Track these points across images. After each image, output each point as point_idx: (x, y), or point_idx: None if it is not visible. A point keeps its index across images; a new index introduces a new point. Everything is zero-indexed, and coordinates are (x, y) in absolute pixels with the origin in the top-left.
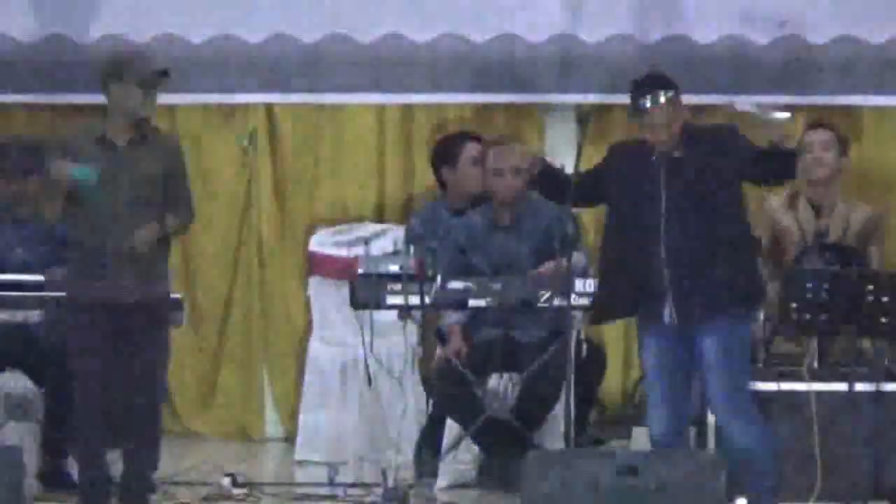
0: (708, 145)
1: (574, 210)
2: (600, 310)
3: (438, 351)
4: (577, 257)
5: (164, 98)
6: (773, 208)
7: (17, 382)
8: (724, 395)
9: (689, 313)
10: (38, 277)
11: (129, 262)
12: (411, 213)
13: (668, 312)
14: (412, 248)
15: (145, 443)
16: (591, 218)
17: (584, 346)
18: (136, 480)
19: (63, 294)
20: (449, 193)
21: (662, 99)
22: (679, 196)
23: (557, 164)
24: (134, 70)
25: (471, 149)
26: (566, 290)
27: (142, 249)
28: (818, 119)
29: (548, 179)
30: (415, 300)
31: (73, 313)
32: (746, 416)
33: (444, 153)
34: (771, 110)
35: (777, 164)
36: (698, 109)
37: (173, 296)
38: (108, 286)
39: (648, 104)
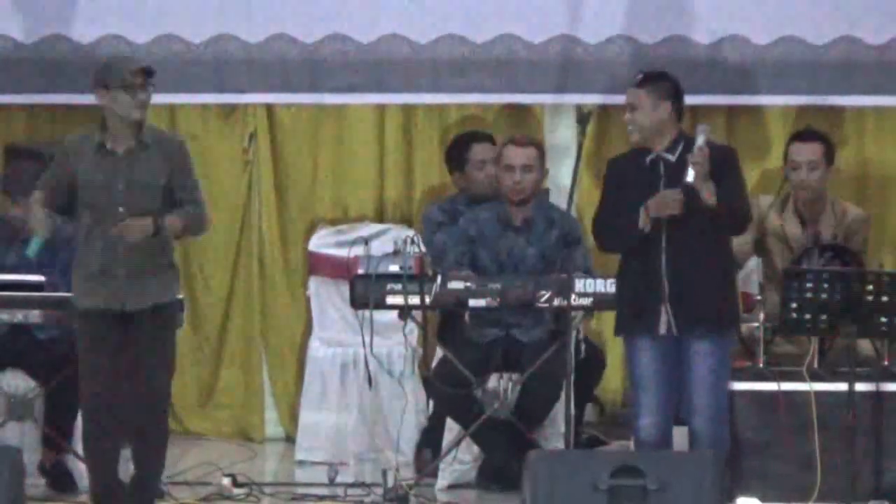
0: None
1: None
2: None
3: (438, 351)
4: (579, 257)
5: (164, 98)
6: (763, 206)
7: (17, 382)
8: (708, 402)
9: (683, 324)
10: (39, 277)
11: (135, 271)
12: (430, 202)
13: (664, 323)
14: (433, 232)
15: (154, 447)
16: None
17: (583, 347)
18: (146, 484)
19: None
20: (463, 194)
21: (637, 80)
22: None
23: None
24: (116, 74)
25: (477, 151)
26: (567, 290)
27: (130, 239)
28: (805, 127)
29: None
30: (415, 300)
31: (81, 321)
32: (721, 425)
33: (454, 158)
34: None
35: (729, 223)
36: (698, 110)
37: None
38: (112, 296)
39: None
